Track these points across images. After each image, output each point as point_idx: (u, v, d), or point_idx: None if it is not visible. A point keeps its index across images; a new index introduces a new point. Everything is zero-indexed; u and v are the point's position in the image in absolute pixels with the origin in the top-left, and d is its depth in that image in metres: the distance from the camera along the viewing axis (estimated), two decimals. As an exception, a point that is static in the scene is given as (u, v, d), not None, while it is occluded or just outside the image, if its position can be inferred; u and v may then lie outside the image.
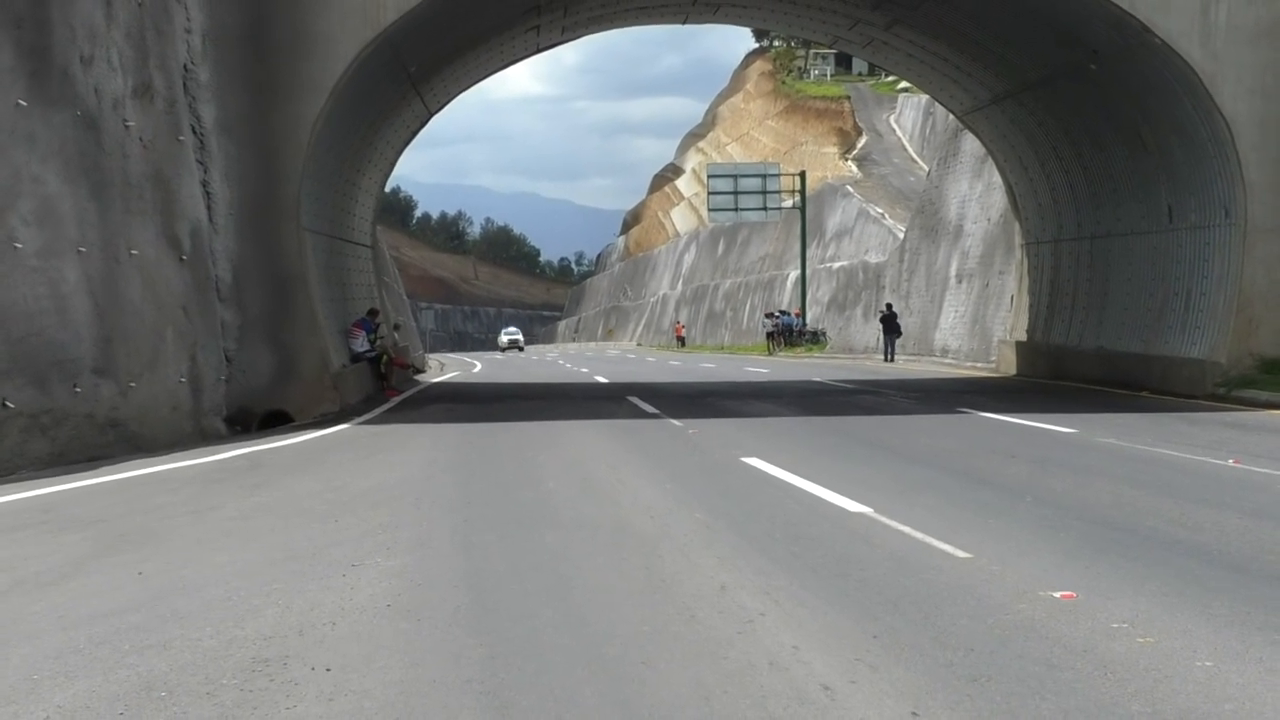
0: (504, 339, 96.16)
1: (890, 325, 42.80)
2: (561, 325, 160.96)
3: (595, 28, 30.86)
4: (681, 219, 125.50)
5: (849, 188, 71.95)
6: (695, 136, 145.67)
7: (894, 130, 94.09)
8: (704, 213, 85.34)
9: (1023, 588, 6.69)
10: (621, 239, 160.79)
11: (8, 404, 13.35)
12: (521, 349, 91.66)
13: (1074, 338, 27.18)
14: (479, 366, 49.57)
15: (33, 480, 12.37)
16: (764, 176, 60.74)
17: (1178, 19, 20.76)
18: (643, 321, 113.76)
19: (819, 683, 5.06)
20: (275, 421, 18.91)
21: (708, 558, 7.67)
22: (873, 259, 56.79)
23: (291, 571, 7.47)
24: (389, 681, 5.16)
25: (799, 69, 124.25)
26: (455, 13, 23.07)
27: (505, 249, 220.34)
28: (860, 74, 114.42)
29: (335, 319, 23.06)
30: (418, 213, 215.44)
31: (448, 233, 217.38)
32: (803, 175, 64.65)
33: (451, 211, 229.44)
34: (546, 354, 79.87)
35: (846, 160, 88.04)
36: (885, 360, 41.91)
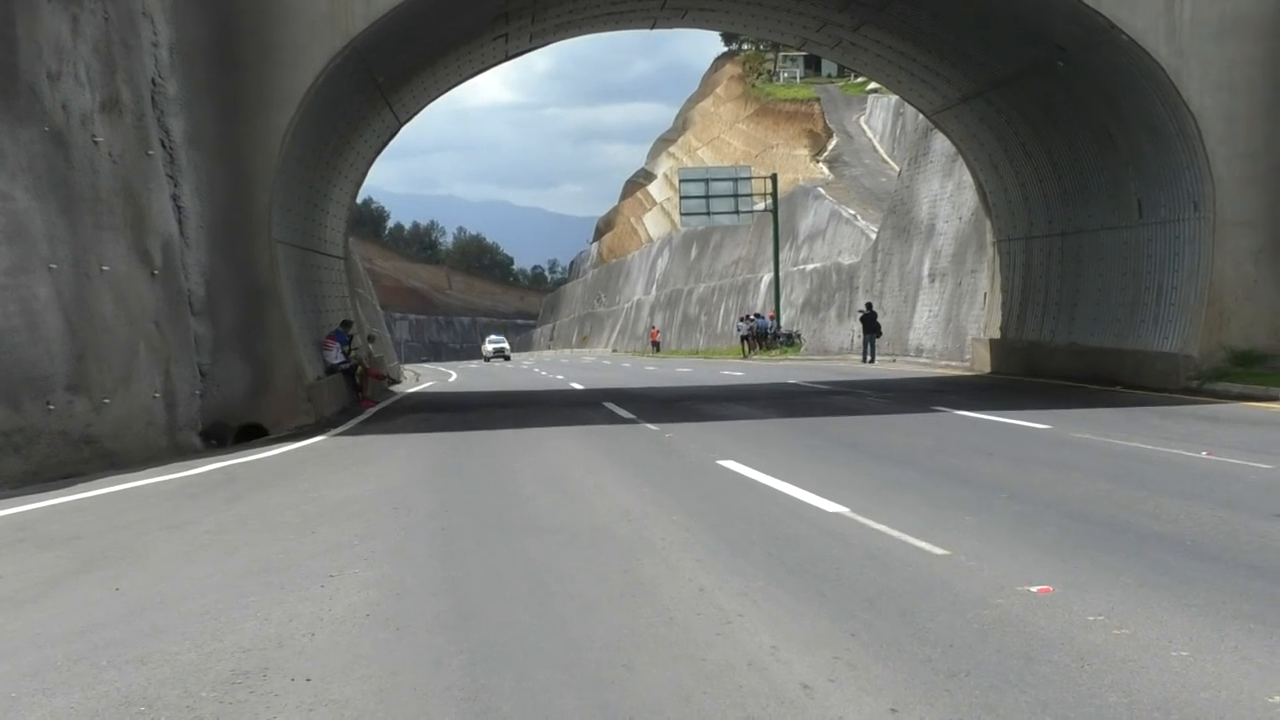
0: (489, 348, 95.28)
1: (870, 325, 42.20)
2: (537, 333, 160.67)
3: (563, 34, 30.85)
4: (654, 224, 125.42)
5: (820, 190, 72.07)
6: (666, 141, 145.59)
7: (864, 131, 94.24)
8: (676, 218, 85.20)
9: (1000, 583, 6.73)
10: (594, 245, 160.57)
11: (-20, 423, 13.27)
12: (507, 358, 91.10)
13: (1047, 334, 27.32)
14: (454, 376, 49.46)
15: (8, 499, 12.29)
16: (735, 180, 60.76)
17: (1143, 15, 20.91)
18: (617, 327, 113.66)
19: (798, 682, 5.08)
20: (251, 435, 18.85)
21: (686, 560, 7.68)
22: (845, 260, 56.91)
23: (269, 583, 7.45)
24: (369, 690, 5.15)
25: (768, 72, 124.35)
26: (423, 21, 23.04)
27: (478, 258, 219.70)
28: (830, 76, 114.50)
29: (309, 331, 22.98)
30: (390, 223, 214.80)
31: (420, 243, 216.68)
32: (774, 178, 64.78)
33: (424, 221, 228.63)
34: (522, 362, 79.78)
35: (818, 162, 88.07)
36: (864, 361, 41.57)
